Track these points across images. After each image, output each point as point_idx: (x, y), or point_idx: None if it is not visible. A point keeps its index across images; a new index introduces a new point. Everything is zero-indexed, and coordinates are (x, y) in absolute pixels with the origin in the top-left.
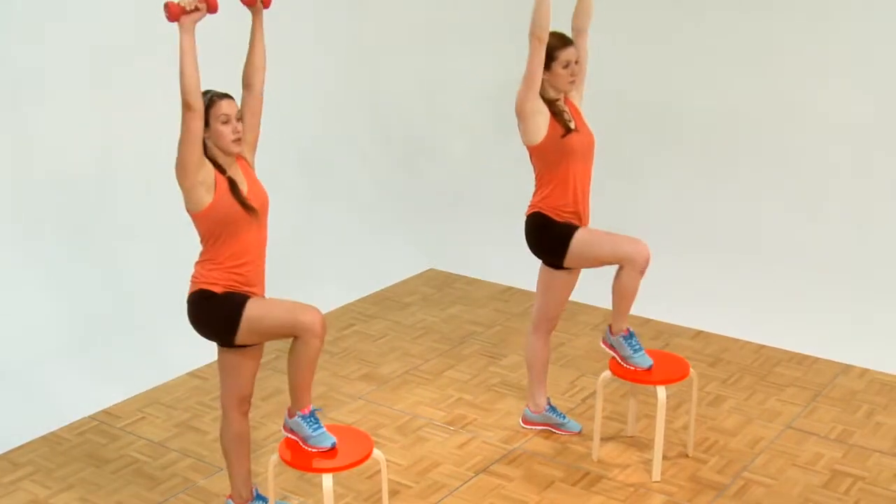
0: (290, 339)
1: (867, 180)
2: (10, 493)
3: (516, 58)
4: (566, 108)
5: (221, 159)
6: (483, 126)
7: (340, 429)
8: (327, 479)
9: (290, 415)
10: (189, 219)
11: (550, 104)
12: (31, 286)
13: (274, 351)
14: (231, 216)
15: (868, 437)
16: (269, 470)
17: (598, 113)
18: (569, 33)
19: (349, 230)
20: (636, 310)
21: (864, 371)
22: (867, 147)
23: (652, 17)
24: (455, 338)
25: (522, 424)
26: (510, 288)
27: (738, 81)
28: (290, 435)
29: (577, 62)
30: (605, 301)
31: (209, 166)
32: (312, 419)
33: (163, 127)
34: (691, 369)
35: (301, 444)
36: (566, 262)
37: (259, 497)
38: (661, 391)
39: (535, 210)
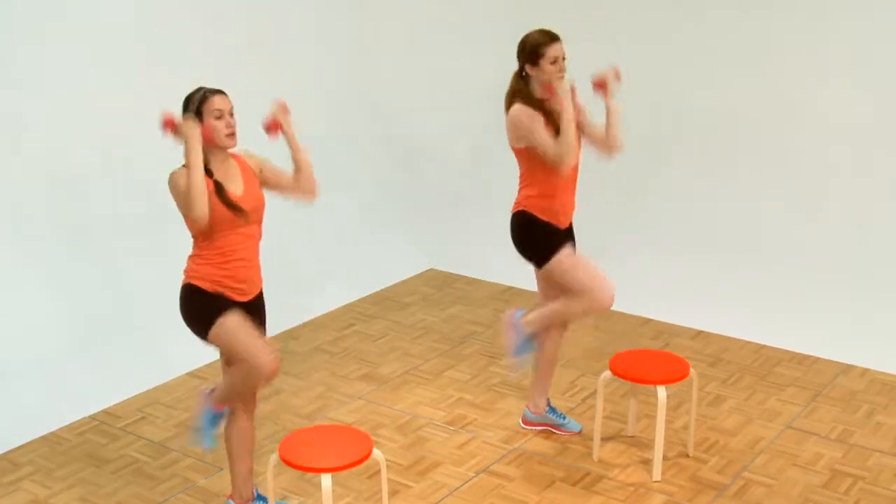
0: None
1: (867, 180)
2: (11, 493)
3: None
4: (555, 110)
5: (213, 155)
6: (483, 126)
7: (340, 429)
8: (326, 479)
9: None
10: None
11: (541, 104)
12: (31, 286)
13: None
14: (217, 218)
15: (868, 436)
16: (269, 470)
17: (598, 113)
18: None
19: (349, 230)
20: (637, 310)
21: (865, 371)
22: (867, 147)
23: (652, 17)
24: (455, 338)
25: (522, 425)
26: (510, 288)
27: (738, 81)
28: None
29: (564, 58)
30: None
31: None
32: None
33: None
34: (691, 369)
35: None
36: (545, 268)
37: (259, 497)
38: (662, 391)
39: (521, 209)
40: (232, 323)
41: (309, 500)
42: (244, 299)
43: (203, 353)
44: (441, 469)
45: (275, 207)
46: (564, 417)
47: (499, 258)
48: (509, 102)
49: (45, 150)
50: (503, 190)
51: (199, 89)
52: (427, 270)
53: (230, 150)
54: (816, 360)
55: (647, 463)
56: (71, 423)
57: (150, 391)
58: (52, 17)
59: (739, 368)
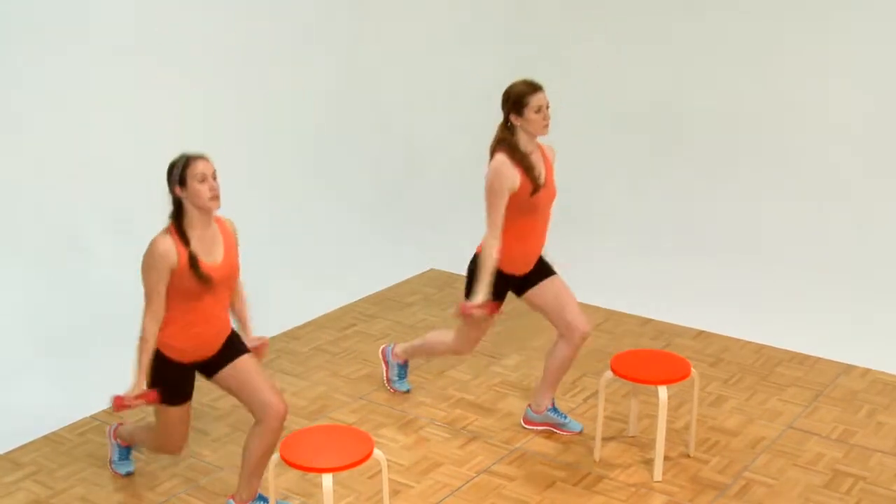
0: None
1: (867, 180)
2: (12, 492)
3: (516, 58)
4: (536, 164)
5: (194, 218)
6: (483, 126)
7: (341, 429)
8: (327, 479)
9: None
10: None
11: (523, 159)
12: (31, 286)
13: (275, 351)
14: (186, 288)
15: (869, 437)
16: (270, 470)
17: (598, 113)
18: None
19: (350, 230)
20: (638, 310)
21: (866, 371)
22: (867, 147)
23: (652, 17)
24: None
25: (524, 424)
26: None
27: (738, 81)
28: None
29: (548, 107)
30: (605, 301)
31: (171, 257)
32: None
33: (162, 126)
34: (692, 369)
35: None
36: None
37: (260, 497)
38: (663, 391)
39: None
40: (172, 414)
41: (310, 500)
42: (206, 356)
43: None
44: (442, 469)
45: (275, 207)
46: (566, 417)
47: None
48: (493, 151)
49: (48, 148)
50: None
51: (182, 156)
52: (428, 270)
53: (215, 213)
54: (817, 360)
55: (648, 463)
56: (72, 423)
57: None
58: (51, 18)
59: (740, 368)
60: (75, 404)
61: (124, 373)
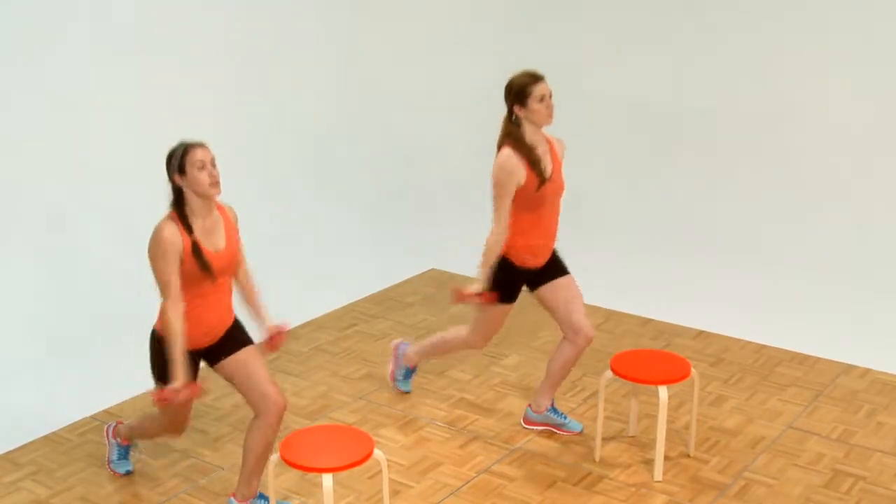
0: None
1: (867, 180)
2: (12, 492)
3: (516, 58)
4: (542, 157)
5: (196, 206)
6: (483, 126)
7: (342, 429)
8: (327, 479)
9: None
10: None
11: (529, 152)
12: (31, 285)
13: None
14: (188, 274)
15: (869, 436)
16: (270, 470)
17: (599, 113)
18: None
19: (351, 230)
20: (638, 310)
21: (866, 371)
22: (867, 147)
23: (652, 17)
24: None
25: (524, 424)
26: None
27: (738, 81)
28: None
29: (551, 96)
30: (605, 301)
31: (177, 242)
32: None
33: (162, 126)
34: (692, 369)
35: None
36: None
37: (260, 496)
38: (663, 391)
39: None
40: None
41: (310, 500)
42: (209, 343)
43: None
44: (442, 469)
45: (275, 207)
46: (565, 417)
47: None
48: (499, 146)
49: (53, 149)
50: None
51: (180, 144)
52: (429, 270)
53: (216, 200)
54: (817, 360)
55: (648, 463)
56: (72, 423)
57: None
58: (51, 18)
59: (740, 368)
60: (75, 404)
61: (124, 373)
